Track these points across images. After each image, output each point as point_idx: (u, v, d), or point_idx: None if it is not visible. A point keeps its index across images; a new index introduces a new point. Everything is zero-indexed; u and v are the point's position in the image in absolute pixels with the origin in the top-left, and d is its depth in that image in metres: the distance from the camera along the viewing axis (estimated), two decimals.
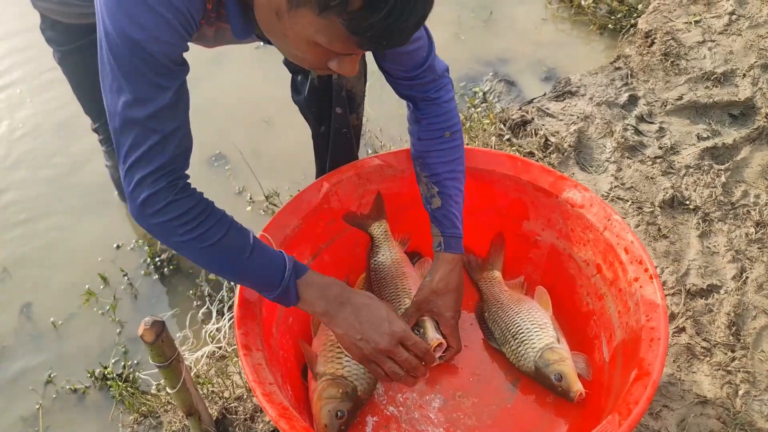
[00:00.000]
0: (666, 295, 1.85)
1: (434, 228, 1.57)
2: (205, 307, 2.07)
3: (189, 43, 1.17)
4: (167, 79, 1.14)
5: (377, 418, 1.55)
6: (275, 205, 2.32)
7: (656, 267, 1.91)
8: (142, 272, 2.20)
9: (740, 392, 1.66)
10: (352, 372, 1.49)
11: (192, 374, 1.80)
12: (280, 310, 1.56)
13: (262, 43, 2.74)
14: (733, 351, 1.74)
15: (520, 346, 1.58)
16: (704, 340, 1.76)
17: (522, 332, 1.59)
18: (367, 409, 1.56)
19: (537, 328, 1.59)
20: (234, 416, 1.71)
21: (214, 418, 1.69)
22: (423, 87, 1.50)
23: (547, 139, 2.31)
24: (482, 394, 1.58)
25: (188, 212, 1.20)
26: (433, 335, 1.53)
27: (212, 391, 1.78)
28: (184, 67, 1.17)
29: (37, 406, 1.91)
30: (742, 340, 1.76)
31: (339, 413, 1.44)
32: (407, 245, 1.81)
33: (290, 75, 1.79)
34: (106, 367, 1.95)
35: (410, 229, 1.79)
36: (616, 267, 1.53)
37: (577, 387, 1.49)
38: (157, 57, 1.10)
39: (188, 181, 1.23)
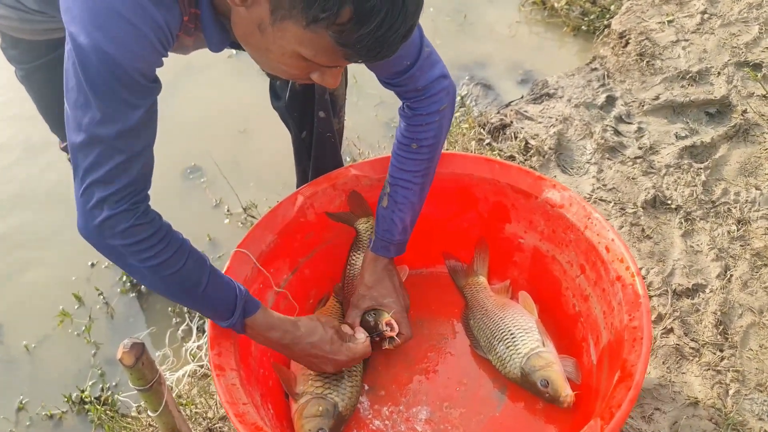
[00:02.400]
0: (653, 296, 1.83)
1: (375, 225, 1.59)
2: (185, 324, 2.02)
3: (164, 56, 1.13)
4: (139, 96, 1.09)
5: None
6: (254, 216, 2.27)
7: (641, 268, 1.89)
8: (118, 290, 2.14)
9: (731, 392, 1.64)
10: (333, 389, 1.46)
11: (174, 395, 1.74)
12: None
13: (234, 51, 2.69)
14: (721, 350, 1.72)
15: (505, 351, 1.55)
16: (692, 340, 1.75)
17: (507, 338, 1.56)
18: (353, 424, 1.52)
19: (522, 333, 1.56)
20: None
21: None
22: (402, 95, 1.47)
23: (527, 142, 2.29)
24: (470, 404, 1.55)
25: (149, 239, 1.17)
26: (387, 318, 1.55)
27: (195, 412, 1.72)
28: (156, 84, 1.13)
29: None
30: (729, 339, 1.74)
31: (320, 431, 1.41)
32: None
33: (266, 82, 1.75)
34: (83, 391, 1.89)
35: None
36: (598, 266, 1.51)
37: (567, 392, 1.46)
38: (131, 73, 1.05)
39: (149, 203, 1.19)
